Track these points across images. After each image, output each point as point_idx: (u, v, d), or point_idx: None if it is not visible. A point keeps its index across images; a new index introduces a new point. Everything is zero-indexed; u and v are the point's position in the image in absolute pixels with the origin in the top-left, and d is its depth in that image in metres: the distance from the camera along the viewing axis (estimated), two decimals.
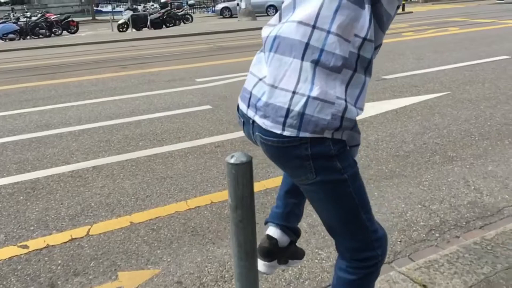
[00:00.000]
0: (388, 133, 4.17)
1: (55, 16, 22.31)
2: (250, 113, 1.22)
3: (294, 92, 1.11)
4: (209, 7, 37.02)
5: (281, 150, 1.17)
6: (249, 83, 1.25)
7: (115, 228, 2.78)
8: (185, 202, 3.06)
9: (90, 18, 34.62)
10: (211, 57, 9.71)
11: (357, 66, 1.12)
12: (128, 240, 2.64)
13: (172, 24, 21.79)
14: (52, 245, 2.62)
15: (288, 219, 1.62)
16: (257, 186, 3.17)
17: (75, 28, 21.94)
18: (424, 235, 2.53)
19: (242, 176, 1.30)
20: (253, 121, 1.21)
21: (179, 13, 23.69)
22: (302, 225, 2.68)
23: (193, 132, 4.55)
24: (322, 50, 1.10)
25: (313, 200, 1.29)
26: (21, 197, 3.26)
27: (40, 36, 19.97)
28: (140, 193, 3.24)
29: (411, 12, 20.30)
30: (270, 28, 1.23)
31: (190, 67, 8.46)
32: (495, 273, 2.04)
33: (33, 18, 20.91)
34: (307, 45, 1.10)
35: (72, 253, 2.53)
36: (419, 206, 2.85)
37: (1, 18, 21.86)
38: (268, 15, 25.77)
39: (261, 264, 1.63)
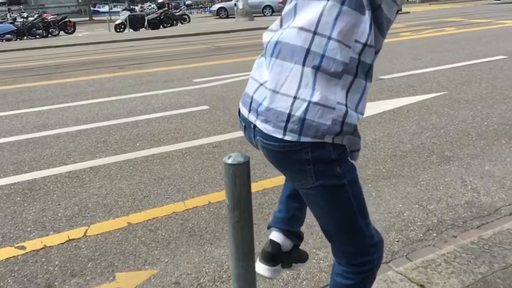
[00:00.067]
0: (385, 133, 4.18)
1: (52, 16, 22.26)
2: (252, 117, 1.23)
3: (295, 98, 1.12)
4: (207, 7, 36.98)
5: (282, 154, 1.18)
6: (250, 88, 1.26)
7: (113, 228, 2.77)
8: (183, 203, 3.06)
9: (87, 18, 34.54)
10: (209, 57, 9.70)
11: (357, 72, 1.13)
12: (126, 240, 2.63)
13: (169, 25, 21.76)
14: (49, 246, 2.61)
15: (290, 223, 1.63)
16: (255, 186, 3.17)
17: (72, 29, 21.89)
18: (421, 235, 2.54)
19: (240, 176, 1.30)
20: (254, 126, 1.22)
21: (177, 14, 23.66)
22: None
23: (190, 132, 4.55)
24: (323, 56, 1.10)
25: (312, 204, 1.30)
26: (18, 198, 3.25)
27: (37, 36, 19.92)
28: (137, 193, 3.24)
29: (408, 12, 20.33)
30: (271, 34, 1.24)
31: (187, 68, 8.45)
32: (492, 273, 2.04)
33: (30, 19, 20.83)
34: (308, 51, 1.11)
35: (70, 254, 2.52)
36: (417, 206, 2.86)
37: None
38: (264, 15, 25.76)
39: (264, 269, 1.64)
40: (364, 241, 1.29)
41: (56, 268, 2.40)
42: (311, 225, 2.64)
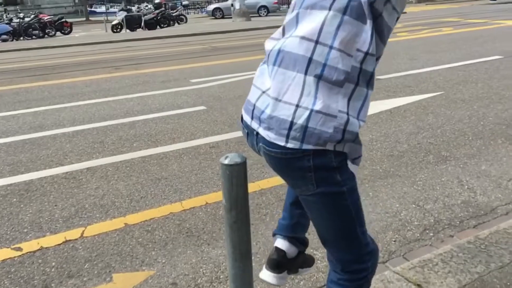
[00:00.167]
0: (382, 133, 4.19)
1: (49, 17, 22.19)
2: (254, 125, 1.24)
3: (297, 106, 1.13)
4: (204, 7, 36.95)
5: (284, 161, 1.19)
6: (253, 95, 1.27)
7: (110, 229, 2.77)
8: (180, 203, 3.05)
9: (84, 19, 34.47)
10: (206, 57, 9.70)
11: (359, 80, 1.14)
12: (123, 241, 2.63)
13: (166, 25, 21.74)
14: (46, 247, 2.60)
15: (295, 230, 1.65)
16: (252, 187, 3.17)
17: (68, 29, 21.82)
18: (418, 235, 2.54)
19: (236, 177, 1.30)
20: (257, 133, 1.24)
21: (173, 14, 23.64)
22: None
23: (187, 133, 4.54)
24: (324, 65, 1.12)
25: (311, 211, 1.31)
26: (15, 199, 3.24)
27: (34, 37, 19.85)
28: (134, 194, 3.23)
29: (405, 13, 20.35)
30: (273, 42, 1.25)
31: (184, 68, 8.44)
32: (489, 272, 2.05)
33: (26, 19, 20.77)
34: (310, 60, 1.13)
35: (66, 255, 2.51)
36: (413, 205, 2.87)
37: None
38: (260, 15, 25.76)
39: (271, 276, 1.66)
40: (360, 248, 1.31)
41: (52, 269, 2.39)
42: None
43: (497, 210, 2.77)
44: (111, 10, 36.46)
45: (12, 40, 19.06)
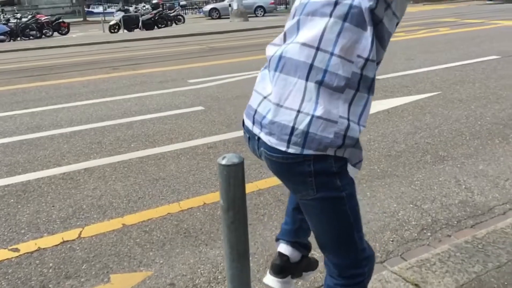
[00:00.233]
0: (379, 133, 4.20)
1: (46, 17, 22.15)
2: (256, 130, 1.25)
3: (298, 111, 1.14)
4: (201, 8, 36.95)
5: (285, 166, 1.21)
6: (254, 100, 1.28)
7: (107, 230, 2.76)
8: (178, 204, 3.05)
9: (81, 19, 34.42)
10: (203, 58, 9.69)
11: (359, 86, 1.15)
12: (120, 242, 2.62)
13: (163, 25, 21.73)
14: (43, 248, 2.60)
15: (297, 234, 1.67)
16: (250, 187, 3.17)
17: (66, 29, 21.79)
18: (416, 234, 2.55)
19: (234, 177, 1.30)
20: (259, 138, 1.25)
21: (171, 14, 23.62)
22: None
23: (185, 133, 4.54)
24: (325, 71, 1.13)
25: (310, 215, 1.32)
26: (12, 200, 3.23)
27: (31, 37, 19.82)
28: (132, 195, 3.23)
29: None
30: (275, 48, 1.26)
31: (182, 68, 8.44)
32: (486, 272, 2.06)
33: (24, 20, 20.72)
34: (311, 66, 1.14)
35: (64, 256, 2.51)
36: (411, 205, 2.87)
37: None
38: (256, 16, 25.76)
39: (275, 281, 1.68)
40: (357, 254, 1.32)
41: (50, 270, 2.39)
42: None
43: (494, 209, 2.77)
44: (109, 10, 36.40)
45: (10, 41, 19.01)
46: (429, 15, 18.56)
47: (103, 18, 24.25)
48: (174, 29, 20.12)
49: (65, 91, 6.92)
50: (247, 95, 5.57)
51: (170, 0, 38.77)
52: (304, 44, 1.15)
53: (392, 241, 2.50)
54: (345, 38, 1.12)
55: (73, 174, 3.64)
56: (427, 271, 2.08)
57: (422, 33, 11.70)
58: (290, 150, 1.16)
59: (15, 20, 20.46)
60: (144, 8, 23.22)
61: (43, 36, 20.44)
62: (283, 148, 1.17)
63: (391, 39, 1.22)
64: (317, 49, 1.13)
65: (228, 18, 24.31)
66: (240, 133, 4.66)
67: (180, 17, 24.69)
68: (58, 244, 2.63)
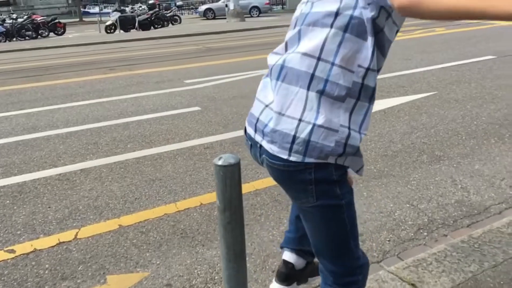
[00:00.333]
0: (376, 133, 4.20)
1: (42, 17, 22.10)
2: (258, 137, 1.27)
3: (300, 120, 1.16)
4: (197, 8, 36.94)
5: (286, 173, 1.22)
6: (256, 109, 1.30)
7: (104, 231, 2.75)
8: (174, 204, 3.05)
9: (77, 19, 34.36)
10: (200, 58, 9.69)
11: (360, 95, 1.16)
12: (117, 243, 2.62)
13: (160, 26, 21.71)
14: (39, 249, 2.59)
15: (301, 242, 1.69)
16: (247, 187, 3.17)
17: (62, 30, 21.76)
18: (412, 234, 2.55)
19: (230, 178, 1.30)
20: (260, 145, 1.26)
21: (167, 15, 23.61)
22: None
23: (182, 133, 4.54)
24: (326, 81, 1.14)
25: (308, 222, 1.34)
26: (8, 201, 3.22)
27: (27, 38, 19.77)
28: (128, 195, 3.22)
29: None
30: (276, 57, 1.27)
31: (178, 69, 8.43)
32: (483, 271, 2.06)
33: (19, 20, 20.68)
34: (312, 76, 1.15)
35: (60, 257, 2.50)
36: (407, 205, 2.88)
37: None
38: (251, 16, 25.76)
39: None
40: (352, 261, 1.34)
41: (46, 272, 2.38)
42: None
43: (490, 209, 2.78)
44: (105, 10, 36.37)
45: (5, 41, 18.96)
46: None
47: (99, 18, 24.20)
48: (170, 29, 20.10)
49: (61, 91, 6.90)
50: (244, 95, 5.61)
51: (167, 1, 38.76)
52: (305, 54, 1.16)
53: (388, 241, 2.50)
54: (346, 48, 1.13)
55: (69, 175, 3.63)
56: (424, 270, 2.08)
57: (418, 33, 11.73)
58: (292, 158, 1.17)
59: (10, 21, 20.42)
60: (141, 8, 23.22)
61: (39, 36, 20.40)
62: (284, 156, 1.18)
63: None
64: (318, 59, 1.15)
65: (223, 18, 24.31)
66: (237, 133, 4.68)
67: (177, 17, 24.69)
68: (54, 245, 2.62)
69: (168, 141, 4.33)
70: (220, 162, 1.30)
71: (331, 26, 1.13)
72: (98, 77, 7.92)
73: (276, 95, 1.21)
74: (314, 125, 1.14)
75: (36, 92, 6.91)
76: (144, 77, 7.69)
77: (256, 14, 26.48)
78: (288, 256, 1.71)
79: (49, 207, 3.10)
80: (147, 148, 4.15)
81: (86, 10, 41.66)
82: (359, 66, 1.14)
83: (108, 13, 27.63)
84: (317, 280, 2.15)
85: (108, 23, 20.49)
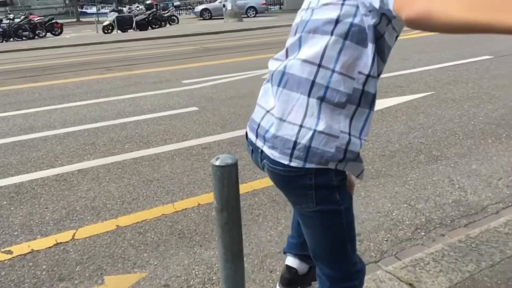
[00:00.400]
0: (374, 133, 4.21)
1: (39, 18, 22.04)
2: (259, 143, 1.28)
3: (301, 126, 1.17)
4: (195, 8, 36.91)
5: (287, 178, 1.24)
6: (257, 114, 1.31)
7: (101, 232, 2.75)
8: (172, 205, 3.04)
9: (75, 20, 34.30)
10: (198, 58, 9.68)
11: (360, 102, 1.17)
12: (114, 243, 2.61)
13: (157, 26, 21.69)
14: (36, 250, 2.58)
15: (304, 247, 1.70)
16: (245, 188, 3.17)
17: (59, 30, 21.69)
18: (410, 234, 2.56)
19: (228, 178, 1.30)
20: (262, 151, 1.28)
21: (165, 15, 23.58)
22: (290, 226, 2.68)
23: (179, 134, 4.53)
24: (327, 87, 1.15)
25: (307, 227, 1.35)
26: (5, 202, 3.21)
27: (24, 38, 19.71)
28: (126, 196, 3.21)
29: None
30: (277, 63, 1.28)
31: (176, 69, 8.42)
32: (480, 271, 2.07)
33: (16, 20, 20.60)
34: (313, 82, 1.16)
35: (57, 258, 2.49)
36: (405, 205, 2.88)
37: None
38: (248, 16, 25.75)
39: None
40: (348, 266, 1.36)
41: (43, 273, 2.37)
42: None
43: (487, 209, 2.79)
44: (102, 11, 36.31)
45: (2, 42, 18.91)
46: None
47: (96, 18, 24.16)
48: (168, 29, 20.08)
49: (59, 92, 6.88)
50: (242, 95, 5.61)
51: (164, 1, 38.72)
52: (306, 61, 1.17)
53: (386, 240, 2.50)
54: (346, 55, 1.14)
55: (66, 176, 3.62)
56: (421, 270, 2.09)
57: (416, 33, 11.75)
58: (293, 164, 1.18)
59: (7, 21, 20.33)
60: (138, 8, 23.19)
61: (36, 36, 20.33)
62: (285, 161, 1.19)
63: None
64: (319, 66, 1.15)
65: (220, 18, 24.29)
66: (235, 133, 4.67)
67: (174, 17, 24.66)
68: (52, 246, 2.61)
69: (165, 141, 4.33)
70: (217, 163, 1.30)
71: (332, 34, 1.14)
72: (96, 78, 7.91)
73: (277, 101, 1.22)
74: (314, 131, 1.16)
75: (33, 93, 6.89)
76: (142, 77, 7.68)
77: (252, 14, 26.48)
78: (291, 261, 1.73)
79: (46, 208, 3.09)
80: (144, 149, 4.15)
81: (83, 10, 41.58)
82: (360, 72, 1.15)
83: (106, 13, 27.60)
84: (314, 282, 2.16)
85: (105, 23, 20.46)
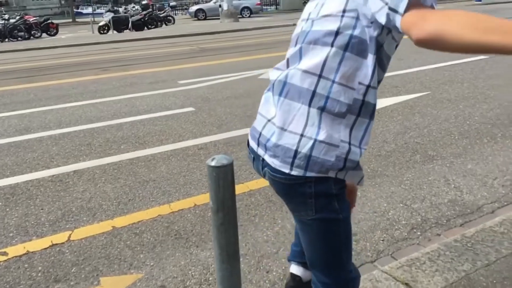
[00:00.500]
0: None
1: (34, 18, 21.94)
2: (260, 151, 1.30)
3: (302, 135, 1.19)
4: (189, 9, 36.85)
5: (287, 186, 1.25)
6: (259, 123, 1.32)
7: (97, 233, 2.74)
8: (168, 205, 3.04)
9: (70, 20, 34.17)
10: (194, 59, 9.67)
11: (360, 112, 1.19)
12: (110, 244, 2.60)
13: (153, 26, 21.64)
14: (32, 252, 2.57)
15: None
16: (241, 188, 3.16)
17: (54, 31, 21.61)
18: (406, 234, 2.56)
19: (223, 178, 1.30)
20: (263, 159, 1.30)
21: (161, 15, 23.54)
22: (286, 226, 2.69)
23: (176, 134, 4.52)
24: (327, 98, 1.17)
25: (305, 234, 1.37)
26: (0, 203, 3.19)
27: (19, 38, 19.63)
28: (122, 197, 3.21)
29: None
30: (278, 72, 1.30)
31: (172, 69, 8.41)
32: (475, 270, 2.07)
33: (12, 21, 20.51)
34: (314, 92, 1.18)
35: (53, 259, 2.48)
36: (401, 205, 2.89)
37: None
38: (243, 16, 25.72)
39: None
40: (343, 274, 1.38)
41: (39, 274, 2.36)
42: None
43: (483, 208, 2.80)
44: (98, 11, 36.21)
45: None
46: None
47: (92, 19, 24.09)
48: (164, 30, 20.04)
49: (54, 92, 6.86)
50: (238, 96, 5.60)
51: (160, 1, 38.66)
52: (306, 72, 1.19)
53: (382, 240, 2.51)
54: (346, 66, 1.15)
55: (62, 177, 3.61)
56: (417, 270, 2.09)
57: None
58: (293, 172, 1.20)
59: (2, 21, 20.22)
60: (134, 9, 23.13)
61: (32, 37, 20.26)
62: (286, 170, 1.21)
63: None
64: (319, 76, 1.17)
65: (214, 19, 24.25)
66: (231, 134, 4.67)
67: (170, 18, 24.63)
68: (47, 247, 2.60)
69: (162, 142, 4.32)
70: (213, 163, 1.30)
71: (332, 45, 1.15)
72: (91, 78, 7.89)
73: (279, 110, 1.24)
74: (315, 140, 1.17)
75: (28, 93, 6.87)
76: (138, 78, 7.66)
77: (247, 14, 26.47)
78: (295, 269, 1.74)
79: (42, 209, 3.08)
80: (140, 149, 4.14)
81: (79, 10, 41.47)
82: (360, 83, 1.16)
83: (101, 13, 27.52)
84: None
85: (101, 24, 20.41)
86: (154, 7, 28.35)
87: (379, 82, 1.22)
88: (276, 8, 32.67)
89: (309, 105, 1.18)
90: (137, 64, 9.31)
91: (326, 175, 1.20)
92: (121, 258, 2.47)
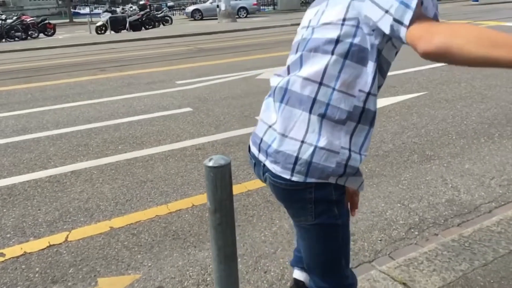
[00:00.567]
0: None
1: (31, 18, 21.88)
2: (261, 157, 1.31)
3: (302, 142, 1.20)
4: (186, 9, 36.81)
5: (287, 192, 1.27)
6: (260, 129, 1.33)
7: (95, 233, 2.73)
8: (166, 206, 3.03)
9: (68, 20, 34.11)
10: (191, 59, 9.66)
11: (360, 119, 1.20)
12: (108, 245, 2.60)
13: (151, 26, 21.61)
14: (29, 253, 2.56)
15: None
16: (239, 188, 3.16)
17: (52, 31, 21.56)
18: (403, 234, 2.57)
19: (221, 179, 1.30)
20: (264, 165, 1.31)
21: (158, 15, 23.51)
22: (285, 226, 2.69)
23: (173, 134, 4.52)
24: (328, 105, 1.18)
25: (303, 239, 1.38)
26: None
27: (16, 39, 19.56)
28: (119, 197, 3.20)
29: None
30: (279, 79, 1.30)
31: (170, 69, 8.40)
32: (473, 270, 2.08)
33: (9, 21, 20.44)
34: (314, 100, 1.19)
35: (50, 260, 2.48)
36: (399, 205, 2.89)
37: None
38: (239, 16, 25.71)
39: None
40: (340, 279, 1.40)
41: (36, 275, 2.35)
42: None
43: (480, 208, 2.81)
44: (95, 11, 36.15)
45: None
46: None
47: (89, 19, 24.04)
48: (161, 30, 20.01)
49: (51, 93, 6.84)
50: (236, 96, 5.60)
51: (158, 1, 38.63)
52: (307, 79, 1.20)
53: (380, 240, 2.51)
54: (347, 74, 1.16)
55: (59, 177, 3.60)
56: (415, 270, 2.09)
57: None
58: (294, 179, 1.21)
59: (0, 22, 20.18)
60: (131, 9, 23.08)
61: (29, 37, 20.20)
62: (287, 176, 1.22)
63: None
64: (320, 84, 1.18)
65: (211, 19, 24.22)
66: (229, 134, 4.67)
67: (168, 18, 24.59)
68: (45, 248, 2.60)
69: (159, 142, 4.32)
70: (210, 164, 1.30)
71: (332, 53, 1.16)
72: (89, 78, 7.87)
73: (280, 116, 1.24)
74: (316, 147, 1.18)
75: (26, 94, 6.85)
76: (135, 78, 7.65)
77: (244, 15, 26.45)
78: (298, 274, 1.74)
79: (39, 210, 3.07)
80: (138, 150, 4.13)
81: (76, 10, 41.41)
82: (360, 90, 1.17)
83: (99, 13, 27.46)
84: None
85: (98, 24, 20.36)
86: (152, 7, 28.29)
87: (378, 88, 1.23)
88: (274, 8, 32.68)
89: (310, 112, 1.19)
90: (134, 64, 9.30)
91: (326, 181, 1.21)
92: (118, 258, 2.46)
